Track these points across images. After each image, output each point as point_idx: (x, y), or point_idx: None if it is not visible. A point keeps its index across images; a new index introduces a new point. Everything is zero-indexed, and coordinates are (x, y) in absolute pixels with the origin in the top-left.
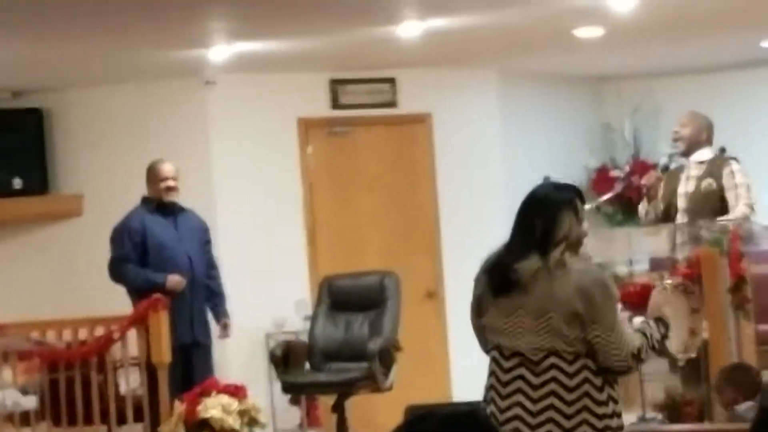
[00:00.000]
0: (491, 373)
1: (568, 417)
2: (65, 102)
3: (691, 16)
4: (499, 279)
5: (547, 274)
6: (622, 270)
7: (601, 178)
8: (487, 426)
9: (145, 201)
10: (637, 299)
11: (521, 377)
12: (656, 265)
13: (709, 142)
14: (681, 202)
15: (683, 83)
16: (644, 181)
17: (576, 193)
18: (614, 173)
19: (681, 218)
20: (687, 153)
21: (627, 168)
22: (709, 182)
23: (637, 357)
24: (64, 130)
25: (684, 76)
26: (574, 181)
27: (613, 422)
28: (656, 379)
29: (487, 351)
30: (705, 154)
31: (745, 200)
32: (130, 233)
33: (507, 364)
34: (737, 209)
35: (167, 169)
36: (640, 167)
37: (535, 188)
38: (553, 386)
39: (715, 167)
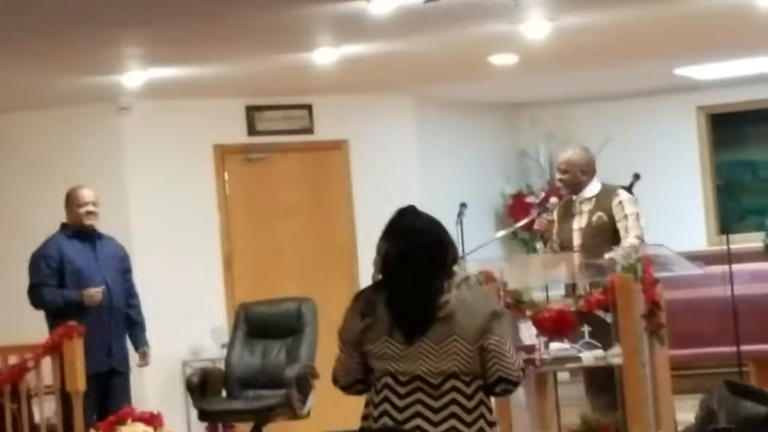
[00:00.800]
0: (383, 400)
1: None
2: None
3: (604, 44)
4: (419, 317)
5: (457, 299)
6: (538, 295)
7: (517, 204)
8: None
9: (64, 227)
10: (552, 324)
11: (420, 401)
12: (571, 290)
13: (591, 176)
14: (576, 238)
15: (597, 110)
16: (537, 225)
17: None
18: (530, 199)
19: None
20: (575, 192)
21: (542, 194)
22: (599, 215)
23: (523, 371)
24: None
25: (598, 103)
26: (490, 208)
27: None
28: (571, 404)
29: (350, 382)
30: (592, 188)
31: (635, 231)
32: (46, 260)
33: (403, 390)
34: (627, 241)
35: (87, 194)
36: (555, 193)
37: (417, 218)
38: (453, 408)
39: (605, 199)
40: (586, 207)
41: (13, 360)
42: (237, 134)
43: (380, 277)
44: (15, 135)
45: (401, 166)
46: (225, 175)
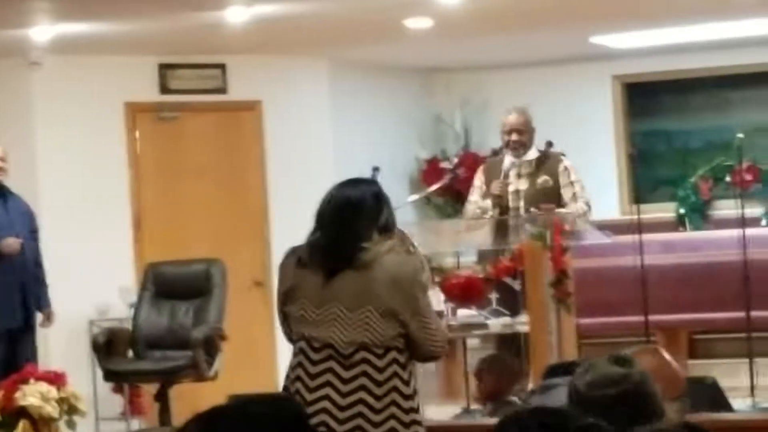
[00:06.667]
0: (297, 365)
1: (376, 411)
2: None
3: (520, 10)
4: (337, 257)
5: (378, 262)
6: (448, 261)
7: (432, 170)
8: (296, 410)
9: None
10: (461, 291)
11: (330, 370)
12: (483, 257)
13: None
14: (515, 200)
15: (513, 77)
16: (494, 190)
17: None
18: (444, 165)
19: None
20: (522, 154)
21: (455, 160)
22: (545, 179)
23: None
24: None
25: (513, 70)
26: (404, 173)
27: (418, 416)
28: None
29: (291, 340)
30: (532, 152)
31: (583, 198)
32: None
33: (316, 357)
34: (576, 206)
35: None
36: (470, 159)
37: (356, 184)
38: (363, 380)
39: (549, 163)
40: (525, 170)
41: None
42: (149, 92)
43: (312, 229)
44: None
45: (315, 129)
46: (136, 134)
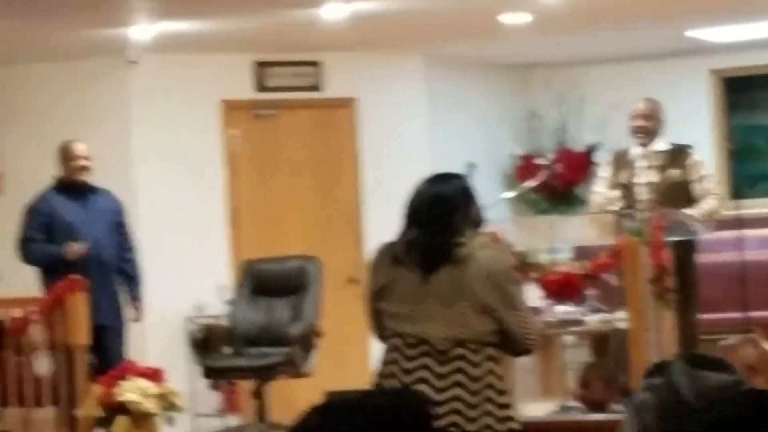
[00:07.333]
0: (392, 361)
1: (472, 407)
2: None
3: (617, 5)
4: (436, 254)
5: (473, 257)
6: (544, 257)
7: (527, 166)
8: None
9: (57, 181)
10: (557, 287)
11: (426, 366)
12: (580, 253)
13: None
14: (643, 192)
15: (609, 72)
16: (623, 179)
17: None
18: (539, 161)
19: (646, 209)
20: (648, 143)
21: (552, 156)
22: (675, 172)
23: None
24: None
25: (610, 65)
26: (499, 169)
27: (512, 411)
28: (578, 369)
29: (381, 336)
30: (661, 143)
31: (714, 192)
32: (37, 214)
33: (411, 353)
34: (706, 201)
35: (79, 148)
36: (566, 155)
37: (446, 180)
38: (458, 376)
39: (679, 156)
40: (656, 162)
41: (16, 313)
42: (245, 90)
43: (405, 226)
44: (22, 86)
45: (409, 126)
46: (234, 132)
